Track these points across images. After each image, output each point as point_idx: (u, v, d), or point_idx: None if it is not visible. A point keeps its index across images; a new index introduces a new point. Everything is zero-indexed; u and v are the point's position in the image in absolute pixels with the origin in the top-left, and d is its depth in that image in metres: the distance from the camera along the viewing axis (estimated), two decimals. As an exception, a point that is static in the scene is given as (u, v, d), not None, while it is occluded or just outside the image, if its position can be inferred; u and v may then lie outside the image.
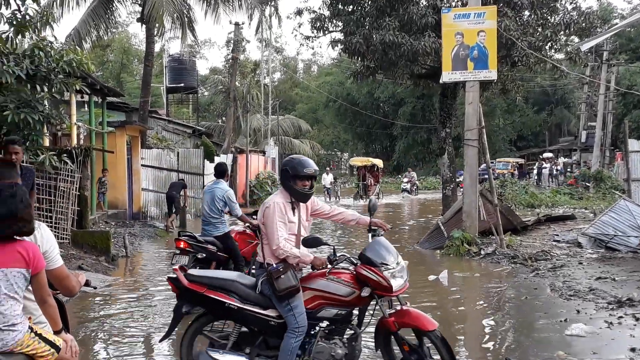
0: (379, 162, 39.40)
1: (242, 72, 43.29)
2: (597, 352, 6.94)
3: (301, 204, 5.60)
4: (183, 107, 55.83)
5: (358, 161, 39.61)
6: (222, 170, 9.54)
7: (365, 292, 5.31)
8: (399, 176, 58.72)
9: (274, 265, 5.25)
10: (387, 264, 5.34)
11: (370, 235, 5.68)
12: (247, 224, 9.82)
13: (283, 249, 5.25)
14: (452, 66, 15.31)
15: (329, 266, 5.37)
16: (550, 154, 51.98)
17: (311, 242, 5.33)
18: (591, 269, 11.97)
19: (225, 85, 42.40)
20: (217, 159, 27.59)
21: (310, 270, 5.50)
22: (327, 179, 36.82)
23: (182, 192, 19.95)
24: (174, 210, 19.92)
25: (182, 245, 9.03)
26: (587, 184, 34.00)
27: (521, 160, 46.23)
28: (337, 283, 5.36)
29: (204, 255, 9.05)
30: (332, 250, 5.51)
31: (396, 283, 5.31)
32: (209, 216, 9.26)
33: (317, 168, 5.53)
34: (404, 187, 38.70)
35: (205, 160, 25.59)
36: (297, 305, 5.24)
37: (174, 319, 5.46)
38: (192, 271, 5.47)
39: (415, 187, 40.28)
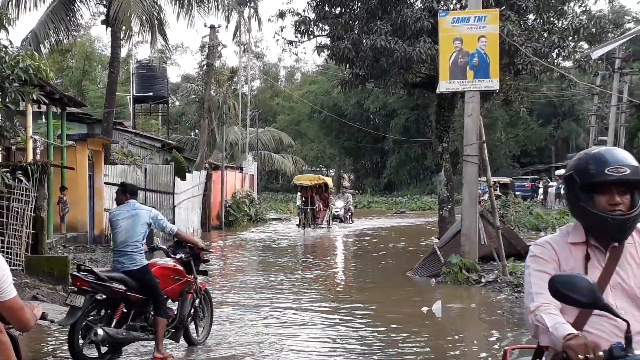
0: (329, 181, 36.61)
1: (218, 80, 43.12)
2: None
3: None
4: (152, 119, 55.72)
5: (305, 179, 35.19)
6: (136, 190, 9.02)
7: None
8: (390, 196, 58.90)
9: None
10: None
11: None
12: (181, 252, 8.93)
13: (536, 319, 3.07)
14: (450, 75, 15.42)
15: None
16: (563, 171, 52.17)
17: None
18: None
19: (199, 94, 42.33)
20: (188, 176, 27.57)
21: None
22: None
23: None
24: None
25: (79, 283, 7.90)
26: None
27: (506, 179, 45.27)
28: None
29: (104, 296, 7.93)
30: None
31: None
32: (126, 245, 8.28)
33: (636, 164, 3.15)
34: (336, 213, 35.05)
35: (176, 177, 25.53)
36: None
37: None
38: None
39: (350, 214, 36.41)
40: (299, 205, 34.04)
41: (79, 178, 20.86)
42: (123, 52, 35.42)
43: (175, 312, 8.68)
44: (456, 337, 10.12)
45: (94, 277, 7.87)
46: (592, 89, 44.26)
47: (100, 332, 7.71)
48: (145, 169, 25.05)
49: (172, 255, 8.88)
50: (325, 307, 12.55)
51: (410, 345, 9.33)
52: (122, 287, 8.04)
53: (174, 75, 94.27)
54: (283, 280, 15.90)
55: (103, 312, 8.07)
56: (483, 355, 8.94)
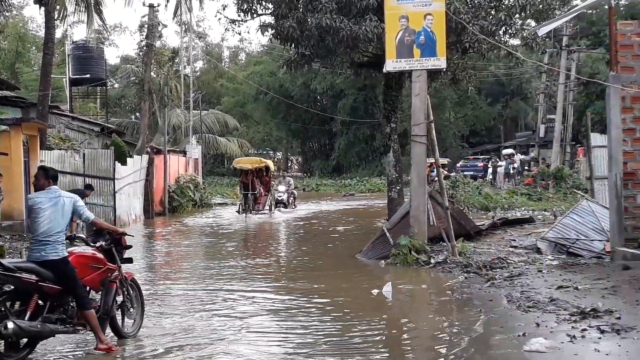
0: (270, 164, 34.10)
1: (159, 60, 42.62)
2: (559, 369, 7.10)
3: None
4: (89, 102, 54.77)
5: (246, 162, 33.11)
6: (56, 175, 8.55)
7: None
8: (339, 178, 59.06)
9: None
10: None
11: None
12: (102, 240, 8.71)
13: None
14: (397, 53, 15.48)
15: None
16: (510, 150, 52.90)
17: None
18: (551, 277, 12.25)
19: (139, 76, 41.81)
20: (129, 161, 27.23)
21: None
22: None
23: None
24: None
25: None
26: (544, 181, 34.83)
27: (444, 160, 44.14)
28: None
29: (12, 287, 7.60)
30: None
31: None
32: (49, 235, 7.96)
33: None
34: (279, 198, 33.23)
35: (117, 162, 25.19)
36: None
37: None
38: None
39: (293, 198, 34.84)
40: (240, 191, 32.82)
41: (14, 164, 20.47)
42: (58, 33, 34.78)
43: (98, 303, 8.44)
44: (407, 319, 10.20)
45: (1, 268, 7.55)
46: (540, 67, 45.03)
47: (10, 325, 7.37)
48: (84, 154, 24.64)
49: (92, 244, 8.62)
50: (272, 293, 12.54)
51: (361, 328, 9.38)
52: (34, 277, 7.73)
53: (112, 56, 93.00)
54: (227, 267, 15.80)
55: (18, 305, 7.80)
56: (435, 334, 9.04)
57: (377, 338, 9.08)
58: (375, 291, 11.95)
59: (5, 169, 19.75)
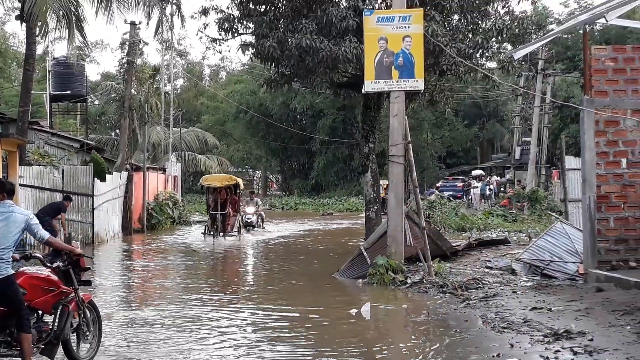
0: (240, 182, 30.74)
1: (139, 78, 42.60)
2: (532, 390, 7.10)
3: None
4: (69, 118, 54.55)
5: (214, 180, 30.07)
6: (13, 188, 8.10)
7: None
8: (317, 197, 59.04)
9: None
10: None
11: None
12: (59, 261, 8.21)
13: None
14: (376, 74, 15.54)
15: None
16: (479, 172, 53.36)
17: None
18: (526, 299, 12.29)
19: (120, 93, 41.69)
20: (109, 178, 27.07)
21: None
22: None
23: (58, 217, 19.38)
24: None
25: None
26: (519, 203, 35.02)
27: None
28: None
29: None
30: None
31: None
32: None
33: None
34: (248, 220, 30.57)
35: (96, 179, 25.02)
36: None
37: None
38: None
39: (261, 219, 32.62)
40: (208, 210, 30.05)
41: (-8, 180, 20.22)
42: (39, 49, 34.53)
43: (50, 326, 7.93)
44: (385, 339, 10.18)
45: None
46: (516, 90, 45.40)
47: None
48: (63, 170, 24.44)
49: (49, 265, 8.09)
50: (248, 312, 12.44)
51: (340, 349, 9.34)
52: None
53: (93, 73, 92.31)
54: (202, 286, 15.71)
55: None
56: (413, 353, 9.01)
57: (356, 356, 9.05)
58: (353, 310, 11.91)
59: (-17, 184, 19.52)
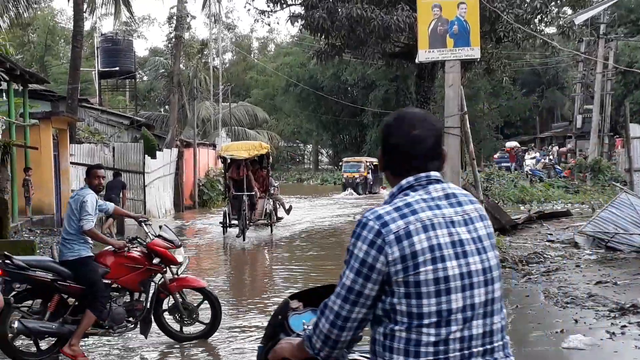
0: (266, 150, 21.83)
1: (188, 53, 42.94)
2: (598, 366, 7.03)
3: None
4: (119, 95, 55.33)
5: (239, 149, 21.56)
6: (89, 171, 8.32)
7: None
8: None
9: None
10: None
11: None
12: (136, 242, 8.28)
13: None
14: (429, 43, 15.37)
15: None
16: (514, 143, 52.06)
17: None
18: (590, 272, 12.14)
19: (168, 68, 42.09)
20: (159, 154, 27.41)
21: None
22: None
23: (121, 194, 19.78)
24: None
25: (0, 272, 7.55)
26: (582, 174, 34.49)
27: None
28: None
29: (25, 285, 7.64)
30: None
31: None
32: (65, 233, 7.84)
33: None
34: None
35: (147, 155, 25.38)
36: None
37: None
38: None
39: (279, 204, 23.60)
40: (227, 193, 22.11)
41: (44, 158, 20.68)
42: (87, 26, 35.03)
43: (143, 304, 8.14)
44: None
45: (13, 267, 7.47)
46: (576, 56, 44.47)
47: (15, 324, 7.43)
48: (114, 148, 24.87)
49: (146, 241, 8.23)
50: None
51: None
52: (49, 276, 7.58)
53: (141, 48, 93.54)
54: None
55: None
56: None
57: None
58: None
59: (35, 163, 19.99)
